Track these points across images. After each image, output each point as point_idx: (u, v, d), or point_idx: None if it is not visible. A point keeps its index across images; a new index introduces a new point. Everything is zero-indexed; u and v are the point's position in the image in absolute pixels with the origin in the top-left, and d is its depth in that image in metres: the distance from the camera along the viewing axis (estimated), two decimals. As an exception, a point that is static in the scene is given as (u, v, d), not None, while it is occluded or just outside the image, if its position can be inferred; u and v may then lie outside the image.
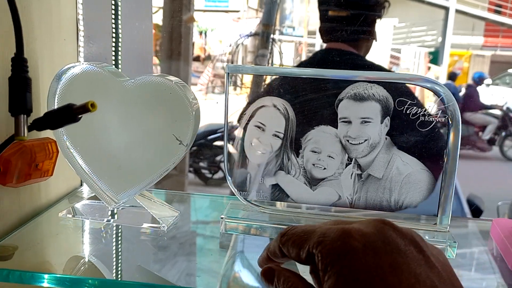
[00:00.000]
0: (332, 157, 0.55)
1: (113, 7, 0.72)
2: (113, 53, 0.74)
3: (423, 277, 0.25)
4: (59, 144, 0.55)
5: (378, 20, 0.88)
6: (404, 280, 0.24)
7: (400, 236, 0.27)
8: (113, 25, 0.74)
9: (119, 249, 0.55)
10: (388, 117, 0.53)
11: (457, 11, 5.75)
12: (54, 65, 0.58)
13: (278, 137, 0.56)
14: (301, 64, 0.88)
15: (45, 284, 0.46)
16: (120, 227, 0.58)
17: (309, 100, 0.55)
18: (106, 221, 0.58)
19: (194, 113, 0.54)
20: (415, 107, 0.52)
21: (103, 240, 0.56)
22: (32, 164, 0.50)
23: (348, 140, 0.54)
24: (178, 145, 0.55)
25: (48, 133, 0.55)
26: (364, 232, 0.27)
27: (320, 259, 0.26)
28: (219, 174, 2.95)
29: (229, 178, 0.57)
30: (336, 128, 0.54)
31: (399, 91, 0.52)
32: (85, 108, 0.37)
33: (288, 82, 0.55)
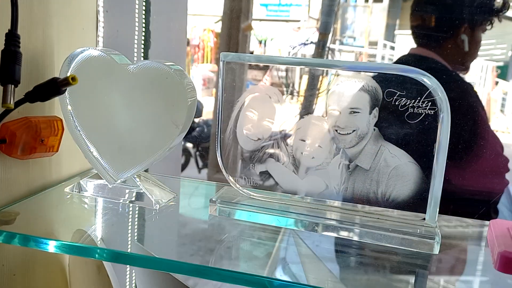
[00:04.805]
0: (320, 147, 0.55)
1: (137, 2, 0.78)
2: (136, 47, 0.79)
3: None
4: (68, 123, 0.60)
5: (474, 29, 0.85)
6: None
7: None
8: (137, 20, 0.79)
9: (114, 224, 0.59)
10: (376, 108, 0.53)
11: (530, 23, 5.42)
12: (71, 51, 0.63)
13: (269, 125, 0.57)
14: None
15: (51, 249, 0.49)
16: (122, 205, 0.62)
17: (301, 89, 0.55)
18: (107, 198, 0.62)
19: (189, 98, 0.56)
20: (404, 99, 0.52)
21: (102, 215, 0.60)
22: (37, 138, 0.55)
23: (336, 130, 0.54)
24: (174, 129, 0.58)
25: (58, 113, 0.60)
26: None
27: None
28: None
29: (222, 164, 0.59)
30: (325, 118, 0.55)
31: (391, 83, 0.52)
32: (67, 81, 0.41)
33: (285, 71, 0.57)
